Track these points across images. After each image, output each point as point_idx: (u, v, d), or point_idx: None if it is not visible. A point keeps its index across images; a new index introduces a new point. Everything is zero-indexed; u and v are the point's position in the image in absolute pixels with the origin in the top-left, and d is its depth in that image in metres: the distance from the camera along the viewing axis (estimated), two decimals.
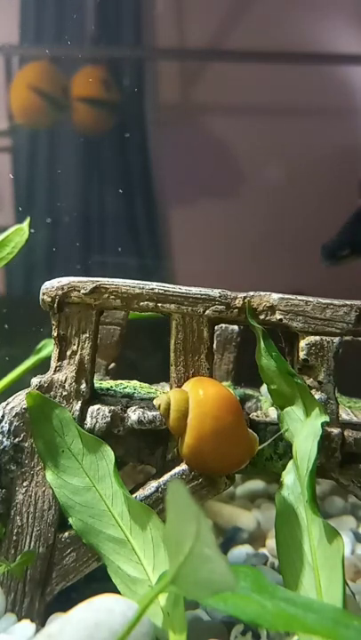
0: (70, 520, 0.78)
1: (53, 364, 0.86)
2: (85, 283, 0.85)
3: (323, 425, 0.77)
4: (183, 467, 0.82)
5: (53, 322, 0.86)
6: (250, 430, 0.83)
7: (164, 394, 0.82)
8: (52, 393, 0.84)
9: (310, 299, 0.86)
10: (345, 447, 0.84)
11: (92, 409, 0.84)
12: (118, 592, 0.73)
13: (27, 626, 0.78)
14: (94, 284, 0.85)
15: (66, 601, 0.76)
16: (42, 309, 0.87)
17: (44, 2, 1.80)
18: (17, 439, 0.83)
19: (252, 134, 1.81)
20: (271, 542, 1.12)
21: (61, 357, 0.86)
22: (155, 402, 0.81)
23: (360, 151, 1.80)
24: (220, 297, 0.85)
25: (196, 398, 0.79)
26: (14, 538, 0.82)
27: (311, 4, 1.78)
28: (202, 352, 0.86)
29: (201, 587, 0.55)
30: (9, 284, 1.81)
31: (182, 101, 1.87)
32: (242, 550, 1.08)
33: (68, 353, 0.86)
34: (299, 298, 0.86)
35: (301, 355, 0.85)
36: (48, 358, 0.95)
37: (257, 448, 0.82)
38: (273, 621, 0.56)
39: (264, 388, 1.12)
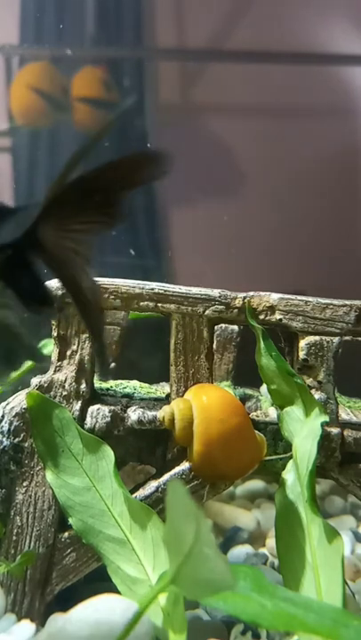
0: (70, 520, 0.78)
1: (53, 364, 0.86)
2: None
3: (322, 425, 0.77)
4: (183, 467, 0.82)
5: (53, 322, 0.86)
6: (257, 432, 0.82)
7: (166, 405, 0.82)
8: (52, 393, 0.84)
9: (310, 299, 0.86)
10: (345, 447, 0.84)
11: (92, 409, 0.84)
12: (118, 592, 0.73)
13: (27, 626, 0.78)
14: None
15: (66, 601, 0.76)
16: None
17: (44, 2, 1.80)
18: (17, 439, 0.83)
19: (252, 134, 1.81)
20: (271, 542, 1.11)
21: (61, 357, 0.86)
22: (158, 415, 0.81)
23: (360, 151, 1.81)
24: (219, 297, 0.85)
25: (200, 405, 0.79)
26: (14, 538, 0.82)
27: (311, 5, 1.78)
28: (202, 352, 0.86)
29: (201, 586, 0.55)
30: None
31: (182, 101, 1.87)
32: (242, 550, 1.08)
33: (68, 353, 0.86)
34: (298, 298, 0.86)
35: (301, 355, 0.85)
36: (48, 358, 0.95)
37: (265, 449, 0.82)
38: (273, 621, 0.56)
39: (264, 387, 1.11)
